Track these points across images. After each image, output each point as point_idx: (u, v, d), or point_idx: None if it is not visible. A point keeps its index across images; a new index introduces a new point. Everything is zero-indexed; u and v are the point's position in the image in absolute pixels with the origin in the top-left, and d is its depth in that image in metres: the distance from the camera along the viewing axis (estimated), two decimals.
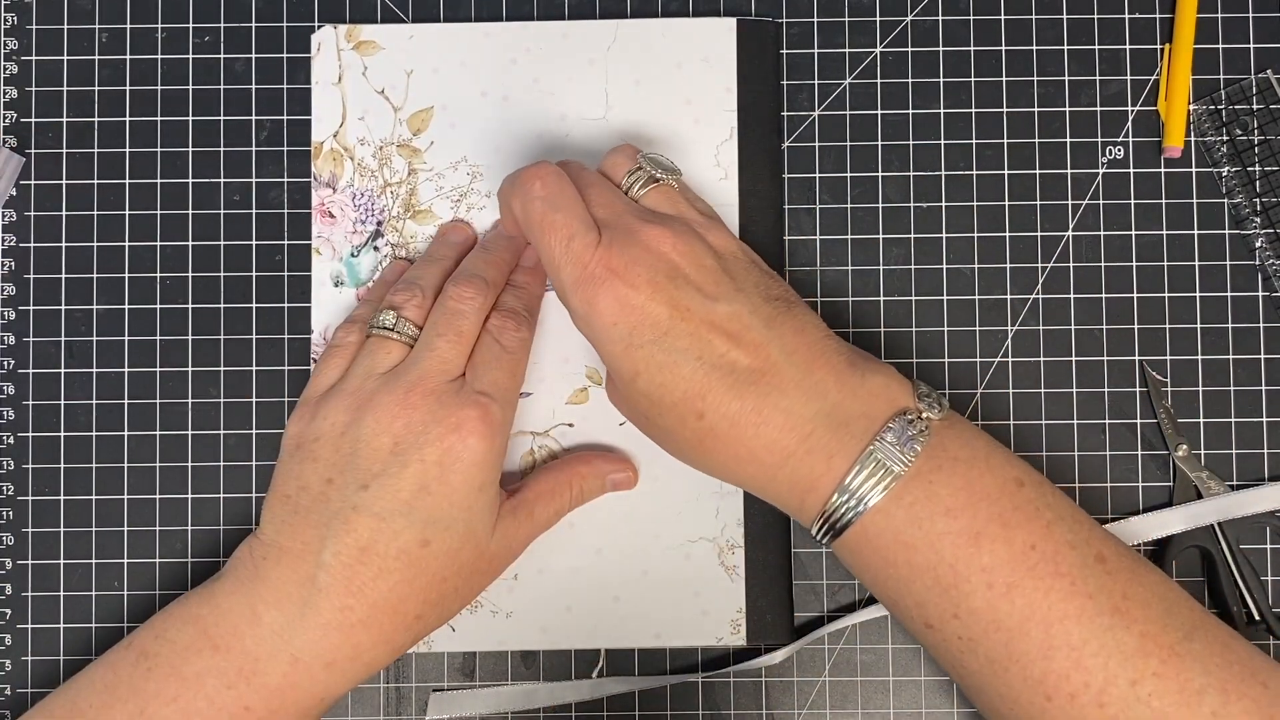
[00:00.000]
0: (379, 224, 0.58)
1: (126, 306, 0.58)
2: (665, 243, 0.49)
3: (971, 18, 0.59)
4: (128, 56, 0.59)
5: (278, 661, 0.48)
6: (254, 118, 0.59)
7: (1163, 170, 0.58)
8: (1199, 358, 0.58)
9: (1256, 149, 0.58)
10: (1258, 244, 0.58)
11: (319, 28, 0.58)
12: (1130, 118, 0.58)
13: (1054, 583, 0.45)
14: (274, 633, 0.48)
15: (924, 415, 0.47)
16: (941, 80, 0.59)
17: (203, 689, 0.48)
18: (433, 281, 0.54)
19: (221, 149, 0.59)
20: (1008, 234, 0.58)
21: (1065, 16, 0.59)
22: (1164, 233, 0.58)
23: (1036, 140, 0.58)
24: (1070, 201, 0.58)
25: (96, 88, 0.59)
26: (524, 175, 0.50)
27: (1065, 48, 0.58)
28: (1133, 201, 0.58)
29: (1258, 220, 0.58)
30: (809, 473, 0.47)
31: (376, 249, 0.58)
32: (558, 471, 0.55)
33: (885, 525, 0.46)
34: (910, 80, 0.59)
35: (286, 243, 0.58)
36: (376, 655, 0.50)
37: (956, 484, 0.46)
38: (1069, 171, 0.58)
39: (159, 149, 0.59)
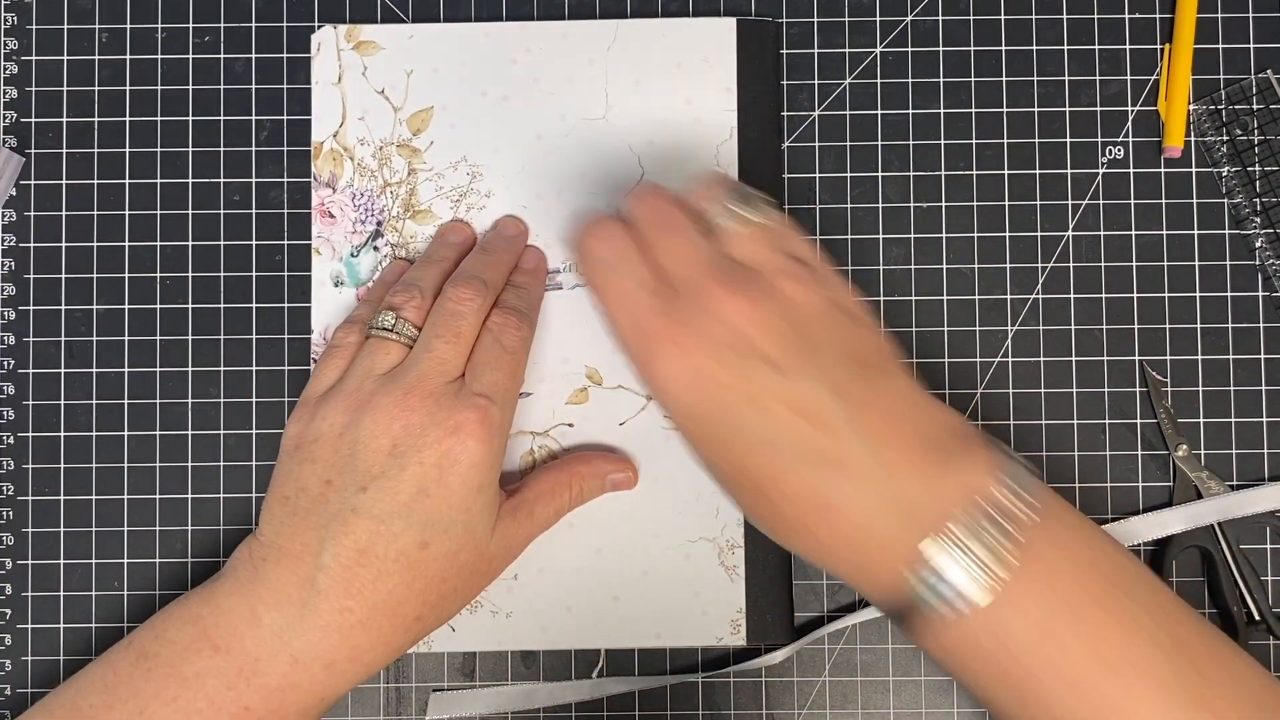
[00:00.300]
0: (379, 224, 0.58)
1: (126, 306, 0.58)
2: (739, 313, 0.44)
3: (971, 18, 0.59)
4: (128, 56, 0.59)
5: (277, 662, 0.48)
6: (254, 118, 0.59)
7: (1163, 170, 0.58)
8: (1199, 358, 0.58)
9: (1256, 149, 0.58)
10: (1258, 244, 0.58)
11: (319, 28, 0.58)
12: (1130, 118, 0.58)
13: (1142, 690, 0.41)
14: (273, 634, 0.48)
15: (1004, 510, 0.42)
16: (941, 80, 0.59)
17: (203, 689, 0.48)
18: (432, 283, 0.54)
19: (221, 149, 0.59)
20: (1008, 234, 0.58)
21: (1065, 16, 0.58)
22: (1164, 233, 0.58)
23: (1036, 140, 0.58)
24: (1070, 201, 0.58)
25: (96, 88, 0.59)
26: (584, 237, 0.48)
27: (1065, 48, 0.58)
28: (1133, 201, 0.58)
29: (1258, 220, 0.57)
30: (869, 562, 0.43)
31: (376, 249, 0.58)
32: (557, 471, 0.55)
33: (1011, 611, 0.41)
34: (910, 80, 0.59)
35: (286, 243, 0.58)
36: (376, 656, 0.50)
37: (1083, 560, 0.42)
38: (1069, 171, 0.58)
39: (159, 149, 0.59)
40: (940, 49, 0.59)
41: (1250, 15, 0.58)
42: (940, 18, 0.59)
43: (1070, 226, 0.58)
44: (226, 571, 0.51)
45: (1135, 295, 0.58)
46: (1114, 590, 0.41)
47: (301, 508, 0.50)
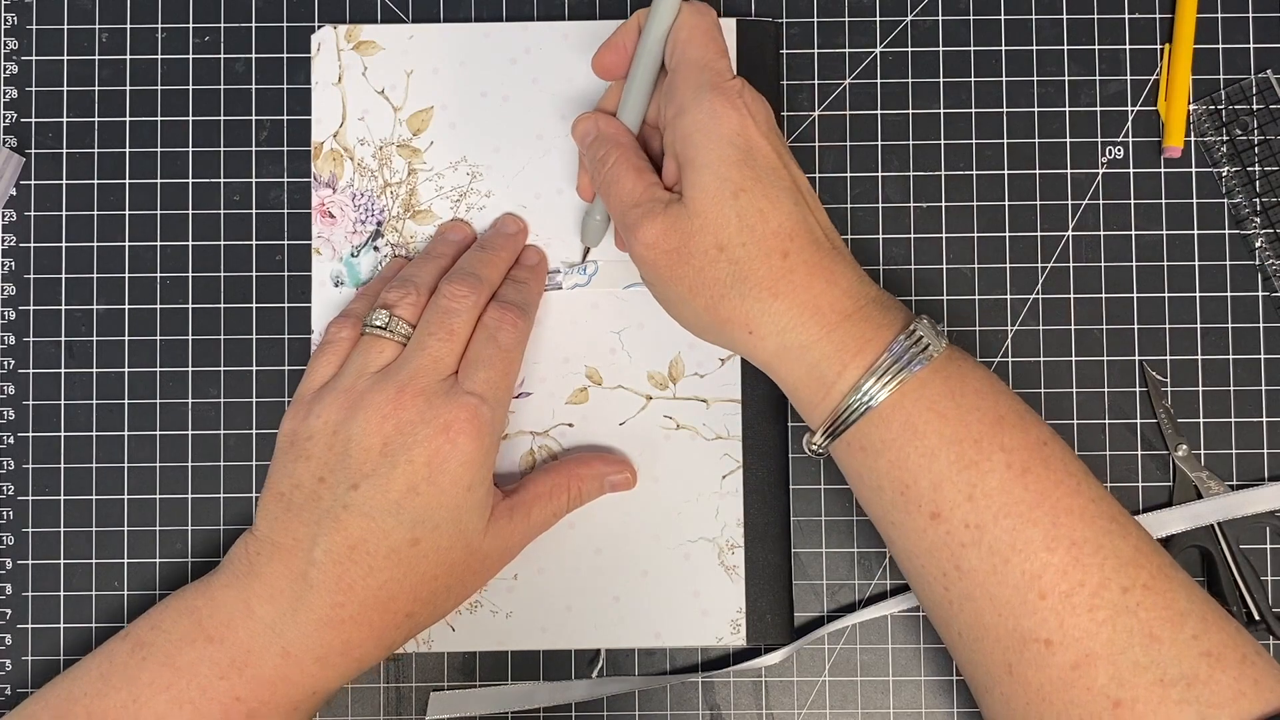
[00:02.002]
0: (379, 224, 0.57)
1: (126, 306, 0.58)
2: (765, 105, 0.50)
3: (971, 18, 0.58)
4: (128, 56, 0.59)
5: (269, 654, 0.48)
6: (254, 118, 0.58)
7: (1163, 170, 0.58)
8: (1199, 358, 0.57)
9: (1256, 149, 0.57)
10: (1258, 244, 0.57)
11: (319, 28, 0.58)
12: (1130, 118, 0.58)
13: (1063, 478, 0.45)
14: (266, 626, 0.48)
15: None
16: (941, 80, 0.58)
17: (195, 678, 0.48)
18: (427, 279, 0.54)
19: (221, 149, 0.58)
20: (1008, 234, 0.58)
21: (1065, 16, 0.58)
22: (1164, 233, 0.58)
23: (1036, 140, 0.58)
24: (1070, 201, 0.58)
25: (96, 88, 0.58)
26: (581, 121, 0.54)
27: (1065, 48, 0.58)
28: (1133, 201, 0.58)
29: (1258, 220, 0.57)
30: (857, 338, 0.47)
31: (376, 249, 0.57)
32: (555, 473, 0.55)
33: (921, 395, 0.46)
34: (910, 80, 0.58)
35: (286, 243, 0.58)
36: (367, 651, 0.50)
37: (980, 374, 0.48)
38: (1069, 171, 0.58)
39: (159, 149, 0.58)
40: (940, 49, 0.58)
41: (1250, 15, 0.58)
42: (940, 18, 0.58)
43: (1070, 226, 0.58)
44: (223, 565, 0.51)
45: (1135, 295, 0.58)
46: (972, 402, 0.47)
47: (295, 504, 0.50)
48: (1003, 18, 0.58)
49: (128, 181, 0.58)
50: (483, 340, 0.52)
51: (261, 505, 0.51)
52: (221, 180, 0.58)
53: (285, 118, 0.58)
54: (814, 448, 0.49)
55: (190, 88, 0.59)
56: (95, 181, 0.58)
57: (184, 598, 0.50)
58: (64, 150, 0.58)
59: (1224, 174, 0.58)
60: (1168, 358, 0.57)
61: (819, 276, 0.47)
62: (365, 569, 0.48)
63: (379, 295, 0.53)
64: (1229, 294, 0.57)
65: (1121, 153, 0.58)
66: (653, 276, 0.50)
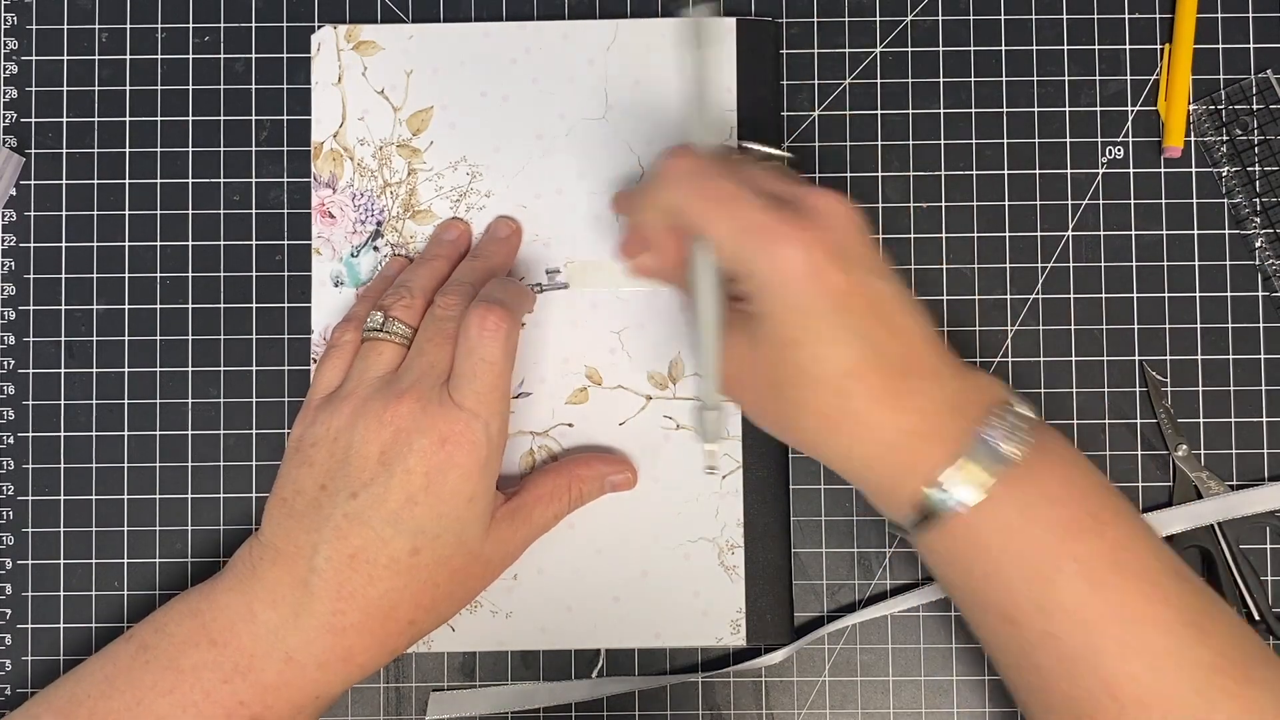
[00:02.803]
0: (379, 224, 0.57)
1: (126, 306, 0.57)
2: (841, 213, 0.46)
3: (971, 18, 0.58)
4: (128, 56, 0.58)
5: (272, 659, 0.48)
6: (254, 118, 0.58)
7: (1163, 170, 0.57)
8: (1199, 358, 0.57)
9: (1256, 149, 0.57)
10: (1258, 244, 0.57)
11: (319, 28, 0.57)
12: (1130, 118, 0.58)
13: (1140, 585, 0.44)
14: (269, 631, 0.48)
15: (1022, 410, 0.46)
16: (941, 80, 0.58)
17: (199, 682, 0.48)
18: (423, 283, 0.53)
19: (221, 149, 0.58)
20: (1008, 234, 0.57)
21: (1065, 16, 0.58)
22: (1164, 233, 0.57)
23: (1036, 140, 0.57)
24: (1070, 201, 0.57)
25: (96, 88, 0.58)
26: (669, 158, 0.47)
27: (1065, 48, 0.58)
28: (1133, 201, 0.57)
29: (1258, 220, 0.57)
30: (926, 456, 0.45)
31: (376, 249, 0.57)
32: (555, 474, 0.54)
33: (992, 511, 0.44)
34: (910, 80, 0.58)
35: (286, 243, 0.57)
36: (370, 658, 0.49)
37: (1058, 475, 0.45)
38: (1069, 171, 0.57)
39: (159, 149, 0.58)
40: (940, 49, 0.58)
41: (1250, 15, 0.58)
42: (940, 18, 0.58)
43: (1070, 226, 0.57)
44: (227, 569, 0.51)
45: (1135, 295, 0.57)
46: (1043, 513, 0.44)
47: (298, 510, 0.49)
48: (1003, 18, 0.58)
49: (128, 181, 0.58)
50: (464, 354, 0.50)
51: (267, 509, 0.51)
52: (221, 180, 0.58)
53: (285, 118, 0.58)
54: (901, 534, 0.49)
55: (190, 88, 0.58)
56: (95, 181, 0.58)
57: (187, 600, 0.50)
58: (64, 150, 0.58)
59: (1224, 174, 0.57)
60: (1168, 358, 0.57)
61: (884, 405, 0.45)
62: (366, 577, 0.48)
63: (379, 299, 0.53)
64: (1229, 294, 0.57)
65: (1121, 153, 0.57)
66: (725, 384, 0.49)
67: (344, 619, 0.48)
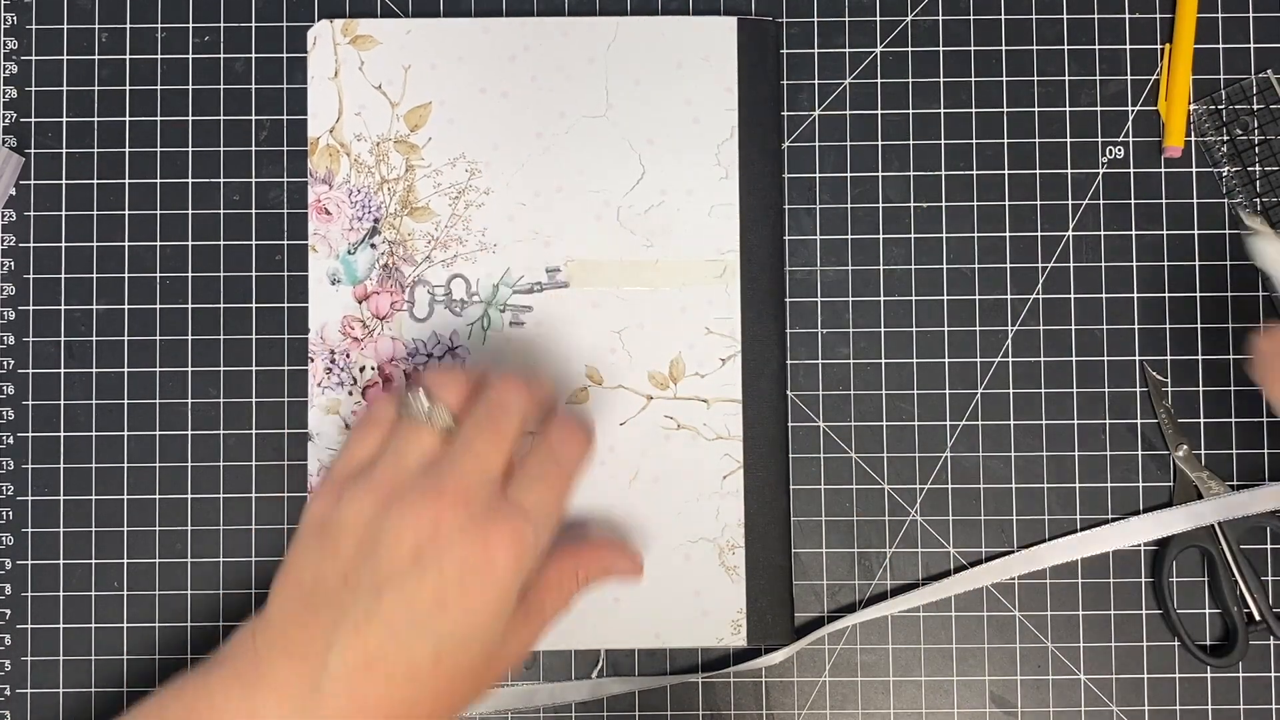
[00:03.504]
0: (376, 221, 0.56)
1: (126, 306, 0.56)
2: None
3: (971, 18, 0.57)
4: (128, 56, 0.57)
5: None
6: (254, 118, 0.57)
7: (1163, 170, 0.56)
8: (1199, 358, 0.56)
9: (1256, 149, 0.56)
10: None
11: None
12: (1130, 118, 0.57)
13: None
14: None
15: None
16: (941, 80, 0.57)
17: None
18: (476, 372, 0.49)
19: (221, 149, 0.57)
20: (1008, 234, 0.56)
21: (1065, 16, 0.57)
22: (1164, 233, 0.56)
23: (1036, 140, 0.56)
24: (1070, 201, 0.56)
25: (96, 88, 0.57)
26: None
27: (1065, 48, 0.57)
28: (1133, 201, 0.56)
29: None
30: None
31: (373, 246, 0.56)
32: (561, 561, 0.50)
33: None
34: (910, 80, 0.57)
35: (286, 242, 0.56)
36: None
37: None
38: (1069, 171, 0.56)
39: (159, 149, 0.57)
40: (940, 49, 0.57)
41: (1250, 15, 0.57)
42: (940, 18, 0.57)
43: (1070, 226, 0.56)
44: (227, 655, 0.45)
45: (1135, 295, 0.56)
46: None
47: (315, 600, 0.44)
48: (1003, 18, 0.57)
49: (127, 181, 0.57)
50: (543, 453, 0.46)
51: (277, 589, 0.45)
52: (221, 180, 0.57)
53: (285, 117, 0.57)
54: None
55: (190, 87, 0.57)
56: (95, 181, 0.57)
57: (182, 696, 0.44)
58: (63, 150, 0.57)
59: (1224, 174, 0.56)
60: (1168, 358, 0.56)
61: None
62: (382, 684, 0.43)
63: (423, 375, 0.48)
64: (1229, 294, 0.56)
65: (1122, 153, 0.56)
66: None
67: None
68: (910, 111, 0.57)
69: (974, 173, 0.56)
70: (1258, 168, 0.56)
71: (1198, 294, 0.56)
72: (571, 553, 0.50)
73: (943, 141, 0.57)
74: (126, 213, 0.57)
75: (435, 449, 0.46)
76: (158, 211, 0.57)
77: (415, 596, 0.43)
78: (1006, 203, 0.56)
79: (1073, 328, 0.56)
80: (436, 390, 0.47)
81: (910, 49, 0.57)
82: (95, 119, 0.57)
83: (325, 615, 0.44)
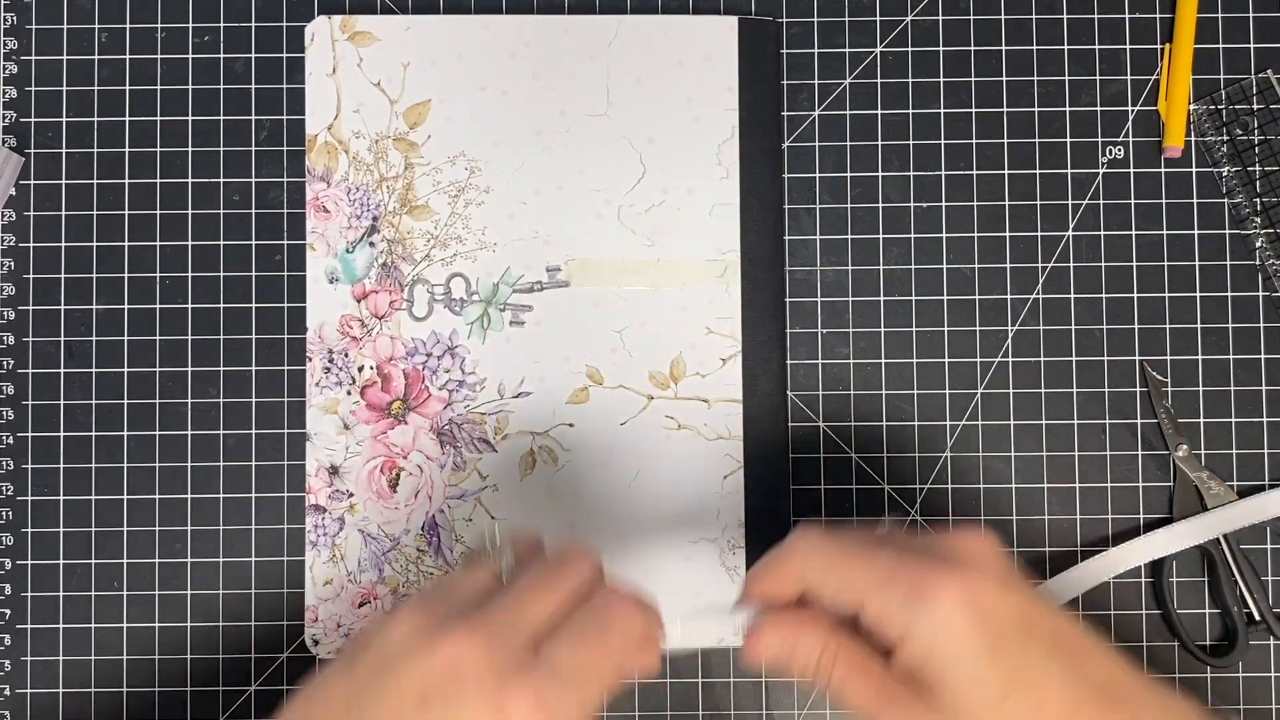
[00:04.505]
0: (374, 219, 0.54)
1: (126, 306, 0.55)
2: (986, 549, 0.40)
3: (971, 18, 0.55)
4: (127, 56, 0.56)
5: None
6: (254, 118, 0.55)
7: (1163, 170, 0.55)
8: (1199, 358, 0.55)
9: (1256, 149, 0.54)
10: (1258, 244, 0.54)
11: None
12: (1130, 118, 0.55)
13: None
14: None
15: None
16: (941, 80, 0.55)
17: None
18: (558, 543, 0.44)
19: (221, 149, 0.55)
20: (1008, 234, 0.55)
21: (1065, 16, 0.55)
22: (1164, 233, 0.55)
23: (1036, 140, 0.55)
24: (1070, 201, 0.55)
25: (96, 87, 0.56)
26: (792, 540, 0.41)
27: (1065, 48, 0.55)
28: (1133, 201, 0.55)
29: (1258, 220, 0.54)
30: None
31: (372, 244, 0.54)
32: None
33: None
34: (910, 80, 0.55)
35: (286, 242, 0.55)
36: None
37: None
38: (1069, 171, 0.55)
39: (158, 149, 0.55)
40: (940, 49, 0.55)
41: (1250, 15, 0.55)
42: (940, 18, 0.56)
43: (1070, 226, 0.55)
44: None
45: (1135, 295, 0.55)
46: None
47: None
48: (1003, 18, 0.55)
49: (127, 181, 0.55)
50: (588, 615, 0.40)
51: (298, 695, 0.40)
52: (221, 180, 0.55)
53: (285, 117, 0.55)
54: None
55: (189, 87, 0.56)
56: (94, 181, 0.55)
57: None
58: (63, 150, 0.55)
59: (1224, 174, 0.54)
60: (1168, 358, 0.55)
61: None
62: None
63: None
64: (1229, 294, 0.55)
65: (1121, 153, 0.55)
66: None
67: None
68: (910, 111, 0.55)
69: (974, 173, 0.55)
70: (1258, 168, 0.54)
71: (1198, 294, 0.55)
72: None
73: (943, 141, 0.55)
74: (126, 213, 0.55)
75: (489, 586, 0.41)
76: (158, 211, 0.55)
77: None
78: (1006, 203, 0.55)
79: (1073, 328, 0.55)
80: (516, 540, 0.43)
81: (910, 49, 0.56)
82: (95, 119, 0.56)
83: None
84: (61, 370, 0.55)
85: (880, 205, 0.55)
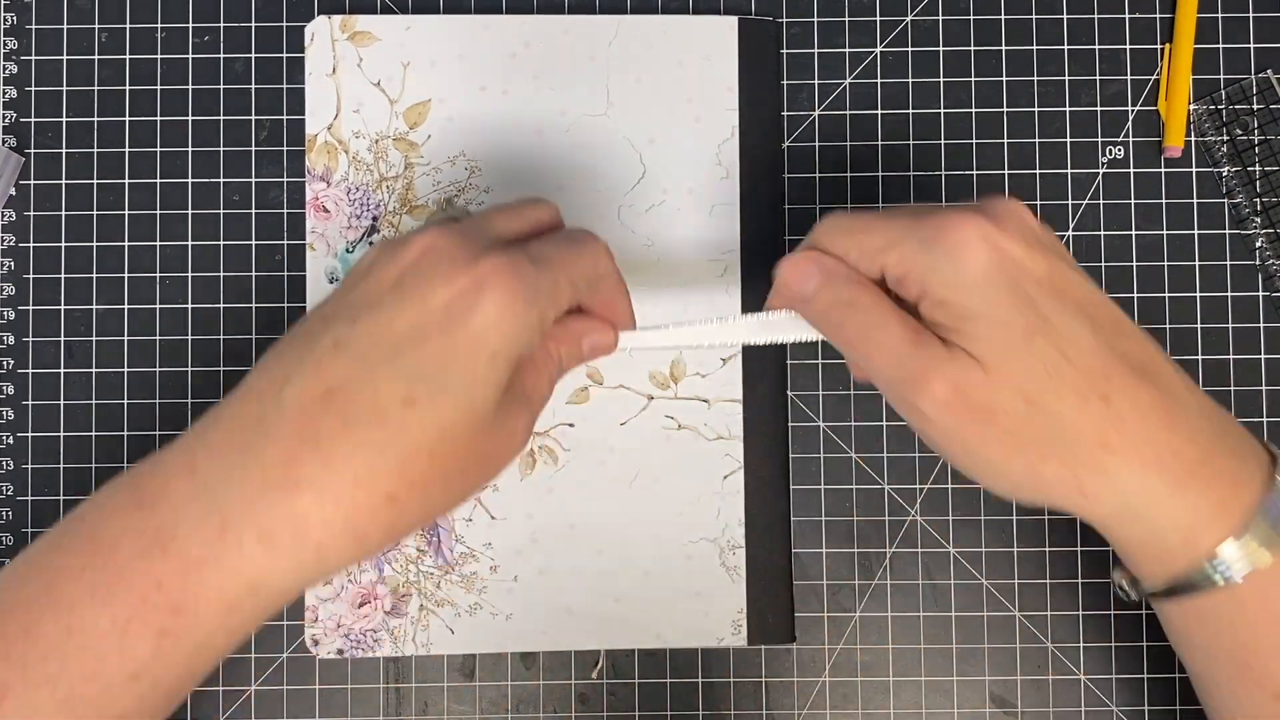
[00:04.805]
0: (374, 219, 0.54)
1: (126, 306, 0.54)
2: (1015, 206, 0.39)
3: (971, 18, 0.55)
4: (127, 56, 0.55)
5: (203, 526, 0.35)
6: (254, 118, 0.55)
7: (1163, 170, 0.54)
8: (1199, 358, 0.54)
9: (1256, 149, 0.54)
10: (1258, 244, 0.54)
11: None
12: (1130, 118, 0.55)
13: None
14: (205, 487, 0.36)
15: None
16: (941, 80, 0.55)
17: (114, 557, 0.36)
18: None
19: (221, 149, 0.55)
20: None
21: (1065, 16, 0.55)
22: (1164, 233, 0.54)
23: (1036, 140, 0.55)
24: (1070, 201, 0.54)
25: (96, 88, 0.55)
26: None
27: (1065, 48, 0.55)
28: (1133, 201, 0.54)
29: (1258, 220, 0.54)
30: (1212, 499, 0.38)
31: (372, 244, 0.54)
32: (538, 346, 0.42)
33: (1265, 583, 0.38)
34: (910, 80, 0.55)
35: (286, 242, 0.54)
36: (331, 535, 0.36)
37: None
38: (1069, 171, 0.55)
39: (158, 149, 0.55)
40: (940, 49, 0.55)
41: (1250, 15, 0.55)
42: (940, 18, 0.55)
43: (1070, 226, 0.54)
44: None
45: (1135, 295, 0.54)
46: None
47: (290, 343, 0.38)
48: (1003, 18, 0.55)
49: (127, 181, 0.55)
50: (559, 234, 0.41)
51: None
52: (221, 180, 0.55)
53: (285, 117, 0.55)
54: (1127, 594, 0.42)
55: (190, 87, 0.55)
56: (94, 181, 0.55)
57: (134, 466, 0.39)
58: (63, 150, 0.55)
59: (1224, 174, 0.54)
60: None
61: (1152, 421, 0.37)
62: (339, 421, 0.35)
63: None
64: (1229, 294, 0.54)
65: (1121, 153, 0.55)
66: (950, 441, 0.39)
67: (299, 470, 0.35)
68: (910, 111, 0.55)
69: (974, 173, 0.55)
70: (1258, 168, 0.54)
71: (1198, 294, 0.54)
72: (549, 334, 0.42)
73: (943, 141, 0.55)
74: (126, 213, 0.55)
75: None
76: (157, 211, 0.55)
77: (392, 321, 0.37)
78: None
79: None
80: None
81: (910, 49, 0.55)
82: (95, 119, 0.55)
83: (292, 353, 0.37)
84: (61, 370, 0.54)
85: (880, 205, 0.55)
